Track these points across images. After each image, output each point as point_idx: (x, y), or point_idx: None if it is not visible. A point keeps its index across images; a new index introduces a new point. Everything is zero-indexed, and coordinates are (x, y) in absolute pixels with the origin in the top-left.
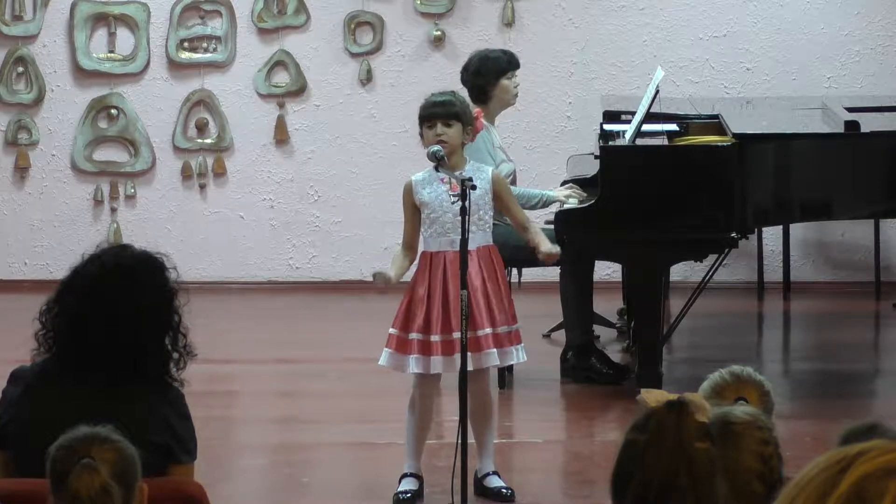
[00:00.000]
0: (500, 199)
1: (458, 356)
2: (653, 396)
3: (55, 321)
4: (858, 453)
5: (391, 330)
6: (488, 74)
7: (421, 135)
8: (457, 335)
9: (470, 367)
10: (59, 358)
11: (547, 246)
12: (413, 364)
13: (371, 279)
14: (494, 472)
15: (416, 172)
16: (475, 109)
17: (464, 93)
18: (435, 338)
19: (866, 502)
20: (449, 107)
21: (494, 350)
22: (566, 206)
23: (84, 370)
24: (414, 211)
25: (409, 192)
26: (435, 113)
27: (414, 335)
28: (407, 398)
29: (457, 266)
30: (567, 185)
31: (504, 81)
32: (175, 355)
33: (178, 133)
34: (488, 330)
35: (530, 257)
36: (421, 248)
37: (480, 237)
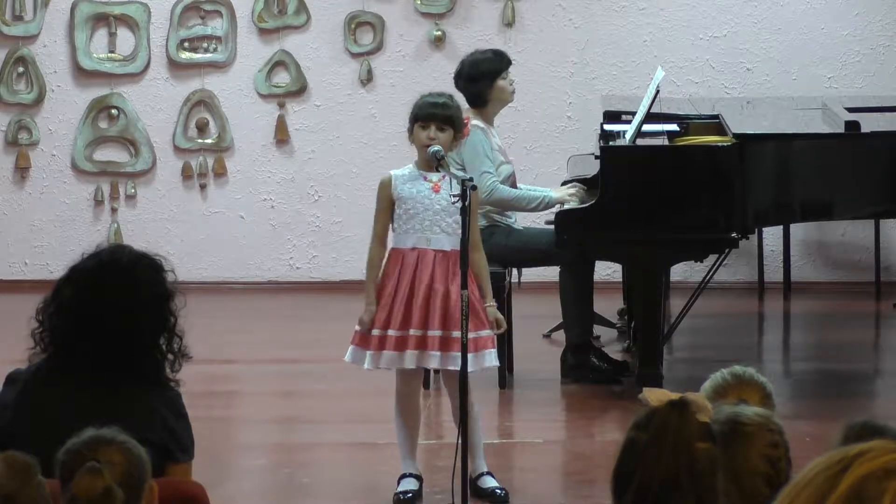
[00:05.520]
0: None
1: (409, 353)
2: (655, 395)
3: (52, 320)
4: (858, 454)
5: (357, 326)
6: (483, 79)
7: (410, 130)
8: (413, 332)
9: (412, 365)
10: (56, 357)
11: (495, 315)
12: (368, 360)
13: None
14: (488, 473)
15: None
16: (465, 116)
17: (460, 97)
18: (391, 332)
19: (866, 503)
20: (446, 110)
21: (439, 353)
22: (567, 207)
23: (81, 370)
24: (389, 205)
25: (387, 186)
26: (433, 114)
27: (375, 331)
28: None
29: (426, 264)
30: (570, 185)
31: (500, 82)
32: (170, 357)
33: (179, 133)
34: (438, 332)
35: (531, 257)
36: (390, 245)
37: (455, 240)
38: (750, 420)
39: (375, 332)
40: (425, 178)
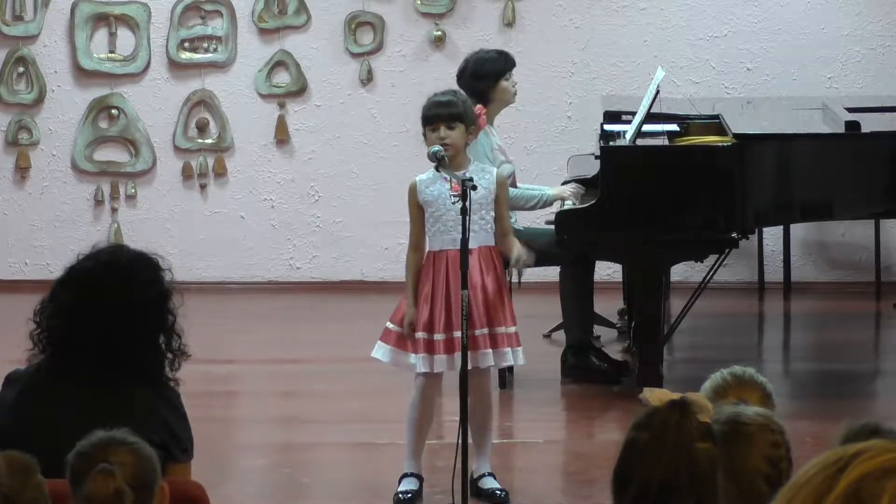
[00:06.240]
0: (497, 202)
1: (458, 355)
2: (656, 395)
3: (50, 320)
4: (856, 454)
5: (391, 325)
6: (487, 78)
7: (424, 135)
8: (457, 334)
9: (468, 366)
10: (55, 358)
11: (517, 251)
12: (420, 363)
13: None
14: (490, 474)
15: (417, 172)
16: (477, 106)
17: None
18: (438, 336)
19: (864, 503)
20: (451, 108)
21: (490, 350)
22: (566, 207)
23: (80, 369)
24: (419, 211)
25: (413, 191)
26: (438, 115)
27: (419, 334)
28: (407, 398)
29: (458, 264)
30: (571, 185)
31: (503, 83)
32: (169, 356)
33: (179, 133)
34: (485, 330)
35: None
36: (426, 248)
37: (482, 237)
38: (751, 420)
39: (421, 335)
40: (445, 179)
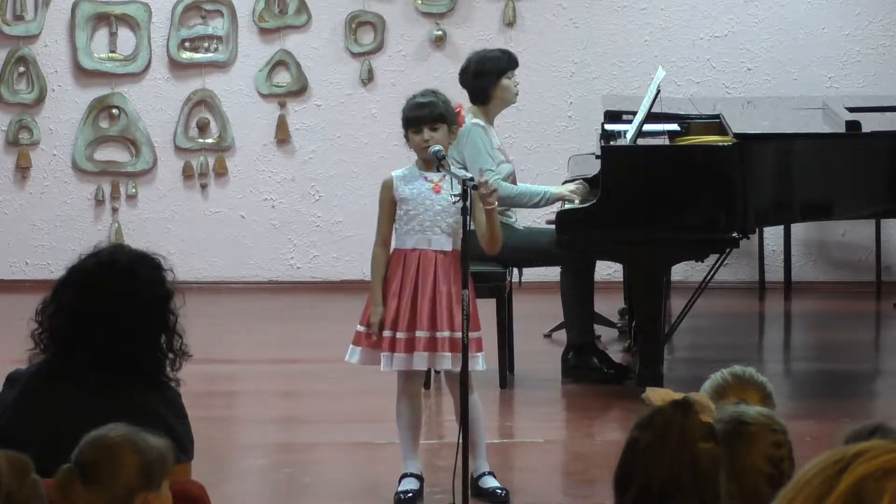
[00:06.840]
0: (473, 205)
1: (417, 354)
2: (658, 395)
3: (51, 320)
4: (856, 454)
5: (360, 328)
6: (489, 76)
7: (406, 136)
8: (420, 333)
9: (423, 367)
10: (56, 358)
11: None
12: (384, 362)
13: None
14: (490, 473)
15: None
16: (455, 104)
17: (456, 93)
18: (400, 335)
19: (865, 503)
20: (434, 109)
21: (426, 354)
22: (567, 206)
23: (81, 369)
24: (392, 206)
25: (388, 187)
26: (420, 116)
27: (386, 332)
28: None
29: (428, 265)
30: (575, 182)
31: (504, 81)
32: (170, 356)
33: (180, 133)
34: (446, 333)
35: (531, 257)
36: (393, 245)
37: (443, 241)
38: (753, 420)
39: (387, 333)
40: (426, 179)
